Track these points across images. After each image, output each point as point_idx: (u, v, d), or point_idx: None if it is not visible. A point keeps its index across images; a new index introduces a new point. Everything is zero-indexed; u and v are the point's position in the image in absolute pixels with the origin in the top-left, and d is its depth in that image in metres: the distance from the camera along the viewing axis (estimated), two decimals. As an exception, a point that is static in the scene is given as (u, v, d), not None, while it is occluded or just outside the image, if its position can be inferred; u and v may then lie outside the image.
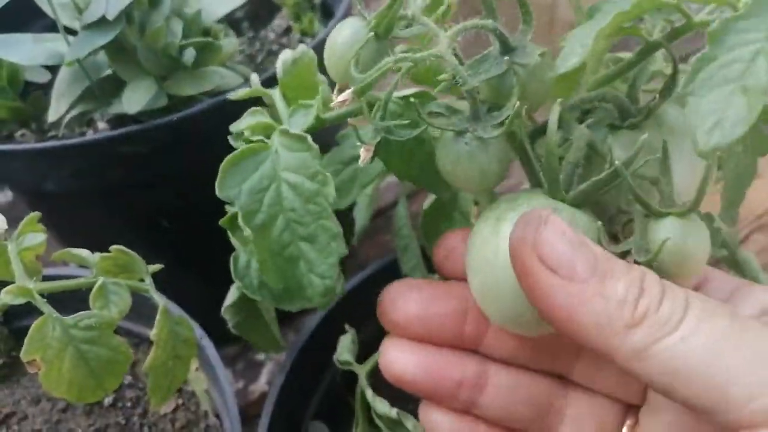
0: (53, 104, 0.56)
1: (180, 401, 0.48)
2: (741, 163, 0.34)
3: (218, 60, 0.51)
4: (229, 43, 0.54)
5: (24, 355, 0.26)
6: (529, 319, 0.26)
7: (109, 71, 0.54)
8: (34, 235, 0.30)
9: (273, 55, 0.67)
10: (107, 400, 0.49)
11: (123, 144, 0.49)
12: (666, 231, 0.25)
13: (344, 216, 0.43)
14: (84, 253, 0.29)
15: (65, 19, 0.52)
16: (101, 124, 0.59)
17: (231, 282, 0.36)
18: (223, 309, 0.35)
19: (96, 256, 0.29)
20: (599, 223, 0.25)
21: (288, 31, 0.69)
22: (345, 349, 0.39)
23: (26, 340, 0.26)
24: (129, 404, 0.49)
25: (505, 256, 0.25)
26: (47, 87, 0.65)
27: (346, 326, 0.40)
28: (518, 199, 0.27)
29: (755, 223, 0.81)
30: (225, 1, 0.57)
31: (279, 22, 0.70)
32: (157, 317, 0.29)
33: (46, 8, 0.50)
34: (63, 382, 0.27)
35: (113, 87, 0.54)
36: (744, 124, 0.18)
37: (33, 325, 0.27)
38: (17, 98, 0.64)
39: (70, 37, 0.52)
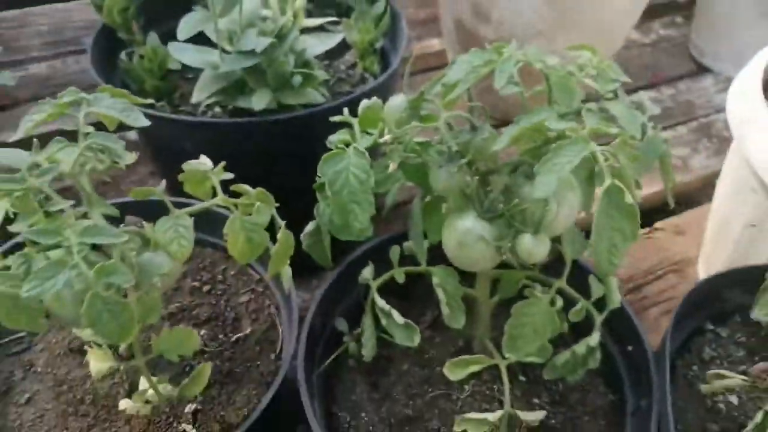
0: (196, 92, 0.83)
1: (252, 296, 0.75)
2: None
3: (313, 85, 0.79)
4: (321, 74, 0.81)
5: (224, 234, 0.53)
6: (468, 266, 0.55)
7: (237, 77, 0.82)
8: (225, 174, 0.56)
9: (342, 81, 0.95)
10: (205, 288, 0.76)
11: (249, 130, 0.76)
12: (524, 241, 0.52)
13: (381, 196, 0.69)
14: (249, 188, 0.56)
15: (215, 39, 0.80)
16: (217, 109, 0.87)
17: (300, 228, 0.63)
18: (302, 235, 0.62)
19: (255, 190, 0.56)
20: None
21: (354, 65, 0.96)
22: (366, 273, 0.66)
23: (225, 227, 0.53)
24: (219, 293, 0.76)
25: (450, 242, 0.53)
26: (178, 72, 0.93)
27: (369, 263, 0.67)
28: (460, 213, 0.54)
29: (673, 267, 1.08)
30: (321, 43, 0.85)
31: (348, 57, 0.98)
32: (282, 229, 0.56)
33: (211, 35, 0.77)
34: (236, 249, 0.54)
35: (238, 89, 0.82)
36: (551, 190, 0.45)
37: (228, 221, 0.53)
38: (160, 79, 0.92)
39: (220, 53, 0.79)
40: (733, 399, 0.66)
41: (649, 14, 1.68)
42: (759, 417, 0.55)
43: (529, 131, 0.50)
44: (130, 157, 0.51)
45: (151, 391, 0.58)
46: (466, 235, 0.55)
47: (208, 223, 0.70)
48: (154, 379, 0.59)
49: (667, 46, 1.58)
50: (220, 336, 0.72)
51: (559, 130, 0.49)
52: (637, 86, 1.45)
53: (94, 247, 0.48)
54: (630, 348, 0.68)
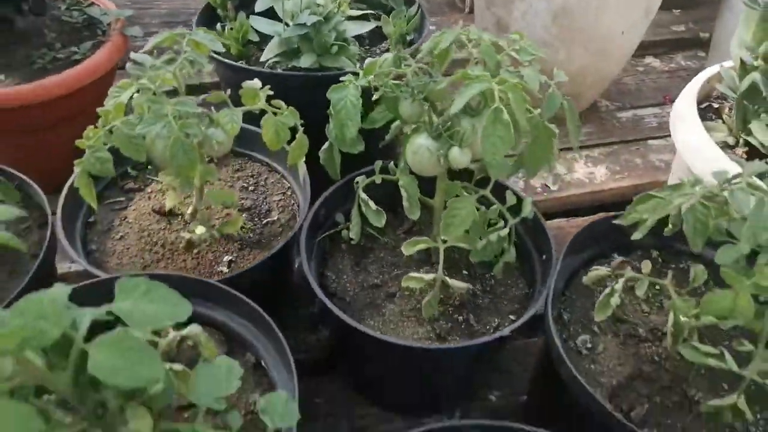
0: (265, 52, 1.14)
1: (282, 197, 1.05)
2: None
3: (346, 54, 1.08)
4: (353, 48, 1.10)
5: (260, 125, 0.82)
6: (419, 170, 0.81)
7: (294, 45, 1.12)
8: (268, 92, 0.85)
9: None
10: (250, 188, 1.06)
11: (296, 80, 1.07)
12: (453, 151, 0.78)
13: (380, 131, 0.96)
14: (282, 102, 0.85)
15: (281, 16, 1.11)
16: (278, 68, 1.18)
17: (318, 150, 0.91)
18: (320, 152, 0.90)
19: (287, 107, 0.84)
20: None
21: (387, 50, 1.25)
22: (359, 179, 0.93)
23: (261, 120, 0.82)
24: (260, 192, 1.06)
25: (408, 153, 0.80)
26: (255, 44, 1.24)
27: (363, 173, 0.95)
28: (417, 133, 0.81)
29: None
30: (358, 27, 1.14)
31: (384, 45, 1.27)
32: (299, 133, 0.84)
33: (279, 13, 1.08)
34: (268, 138, 0.82)
35: (294, 53, 1.12)
36: (459, 108, 0.71)
37: (264, 117, 0.82)
38: (242, 46, 1.24)
39: (284, 25, 1.10)
40: (615, 298, 0.89)
41: (675, 46, 1.90)
42: (607, 290, 0.79)
43: (461, 77, 0.77)
44: (209, 66, 0.82)
45: (200, 226, 0.88)
46: (419, 147, 0.82)
47: (257, 144, 1.00)
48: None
49: (683, 74, 1.79)
50: (255, 219, 1.01)
51: (476, 75, 0.76)
52: (647, 104, 1.66)
53: (180, 118, 0.78)
54: (544, 257, 0.92)
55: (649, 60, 1.84)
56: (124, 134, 0.75)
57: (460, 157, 0.79)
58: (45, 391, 0.51)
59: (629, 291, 0.90)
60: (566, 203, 1.38)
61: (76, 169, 0.77)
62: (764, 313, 0.66)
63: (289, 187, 1.06)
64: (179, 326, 0.59)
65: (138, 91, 0.80)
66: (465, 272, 0.95)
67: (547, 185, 1.37)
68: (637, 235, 0.82)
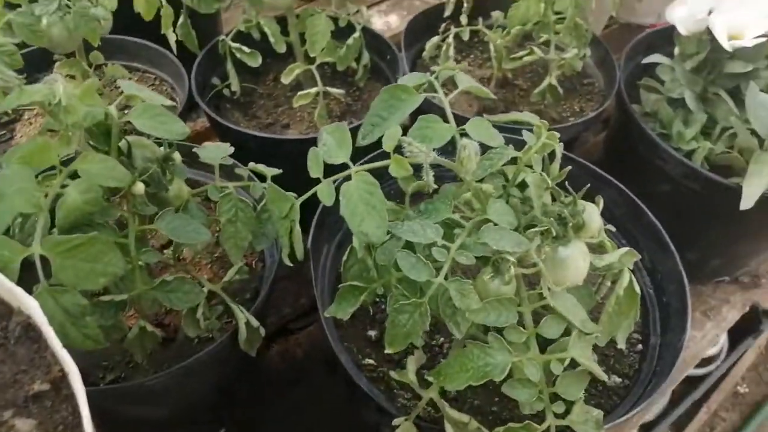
0: None
1: (153, 86, 1.15)
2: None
3: None
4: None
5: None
6: (272, 6, 0.98)
7: None
8: None
9: None
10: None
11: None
12: None
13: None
14: None
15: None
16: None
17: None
18: (176, 29, 1.03)
19: None
20: None
21: None
22: (225, 37, 1.08)
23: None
24: (132, 90, 1.15)
25: None
26: None
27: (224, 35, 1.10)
28: None
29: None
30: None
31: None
32: (165, 4, 0.97)
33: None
34: (141, 7, 0.94)
35: None
36: None
37: None
38: None
39: None
40: (451, 49, 1.15)
41: None
42: (444, 46, 1.04)
43: None
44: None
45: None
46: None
47: (115, 53, 1.10)
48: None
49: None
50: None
51: None
52: None
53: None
54: (388, 57, 1.15)
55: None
56: (23, 23, 0.83)
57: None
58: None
59: (460, 61, 1.18)
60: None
61: (-16, 72, 0.83)
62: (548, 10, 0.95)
63: (155, 77, 1.17)
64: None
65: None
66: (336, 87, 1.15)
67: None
68: (447, 11, 1.09)
